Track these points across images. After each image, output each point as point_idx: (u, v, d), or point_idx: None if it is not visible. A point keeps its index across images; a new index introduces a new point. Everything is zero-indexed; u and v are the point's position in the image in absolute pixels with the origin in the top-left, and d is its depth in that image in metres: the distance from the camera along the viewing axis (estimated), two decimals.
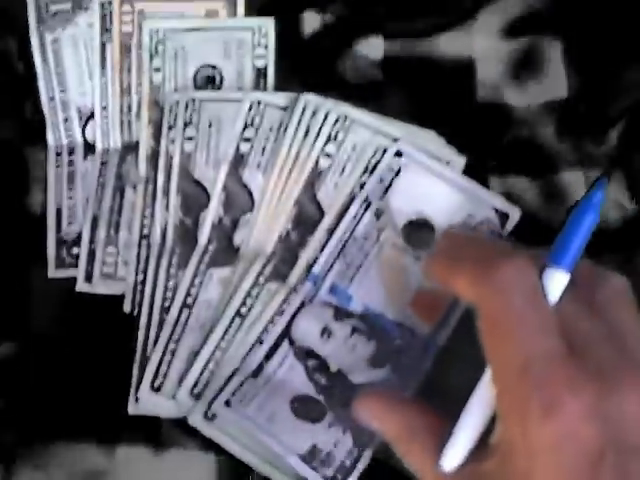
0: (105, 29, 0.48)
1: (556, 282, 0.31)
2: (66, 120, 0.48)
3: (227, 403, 0.42)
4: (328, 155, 0.43)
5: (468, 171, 0.43)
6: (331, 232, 0.43)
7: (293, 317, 0.42)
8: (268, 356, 0.42)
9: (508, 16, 0.46)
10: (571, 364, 0.29)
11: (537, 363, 0.29)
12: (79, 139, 0.48)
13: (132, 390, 0.44)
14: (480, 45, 0.46)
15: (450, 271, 0.33)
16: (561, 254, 0.32)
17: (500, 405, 0.31)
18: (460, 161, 0.43)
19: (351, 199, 0.43)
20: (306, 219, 0.43)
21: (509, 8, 0.46)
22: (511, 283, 0.31)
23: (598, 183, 0.32)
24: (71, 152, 0.48)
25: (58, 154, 0.48)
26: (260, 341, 0.42)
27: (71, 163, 0.48)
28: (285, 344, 0.42)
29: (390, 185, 0.42)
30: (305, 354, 0.42)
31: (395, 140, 0.43)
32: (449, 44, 0.46)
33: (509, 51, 0.46)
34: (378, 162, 0.43)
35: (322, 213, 0.43)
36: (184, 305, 0.44)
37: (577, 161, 0.45)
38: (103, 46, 0.48)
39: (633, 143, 0.44)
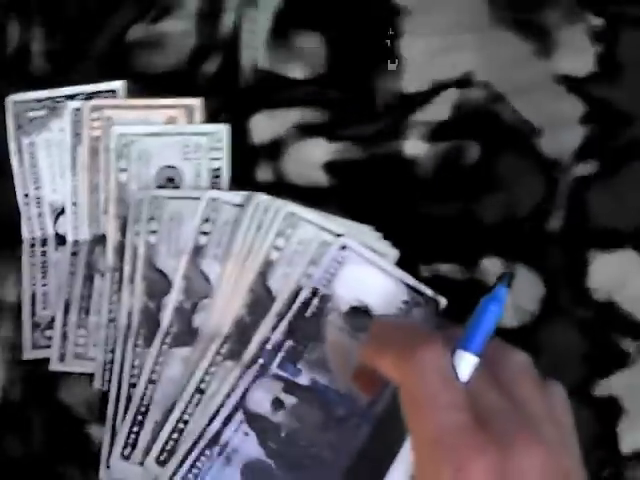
0: (76, 133, 0.52)
1: (466, 363, 0.37)
2: (39, 215, 0.52)
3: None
4: (278, 248, 0.48)
5: (401, 262, 0.48)
6: (281, 316, 0.47)
7: (247, 390, 0.47)
8: (224, 425, 0.46)
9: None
10: (477, 432, 0.33)
11: (448, 434, 0.33)
12: (51, 232, 0.52)
13: (103, 458, 0.48)
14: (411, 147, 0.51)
15: (378, 354, 0.38)
16: (470, 340, 0.37)
17: (417, 470, 0.35)
18: (394, 253, 0.48)
19: (299, 287, 0.48)
20: (259, 304, 0.48)
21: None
22: (426, 365, 0.35)
23: (503, 279, 0.38)
24: (44, 243, 0.52)
25: (32, 245, 0.52)
26: (217, 413, 0.47)
27: (44, 253, 0.52)
28: (239, 413, 0.46)
29: (335, 274, 0.47)
30: (258, 422, 0.46)
31: (338, 235, 0.48)
32: (384, 147, 0.51)
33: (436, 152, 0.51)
34: (322, 255, 0.48)
35: (273, 299, 0.48)
36: (149, 381, 0.48)
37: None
38: (74, 148, 0.52)
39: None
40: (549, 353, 0.47)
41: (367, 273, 0.47)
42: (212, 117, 0.52)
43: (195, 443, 0.46)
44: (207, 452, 0.46)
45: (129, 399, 0.48)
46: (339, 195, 0.51)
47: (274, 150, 0.52)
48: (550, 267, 0.49)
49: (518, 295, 0.48)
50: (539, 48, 0.51)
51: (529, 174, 0.50)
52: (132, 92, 0.53)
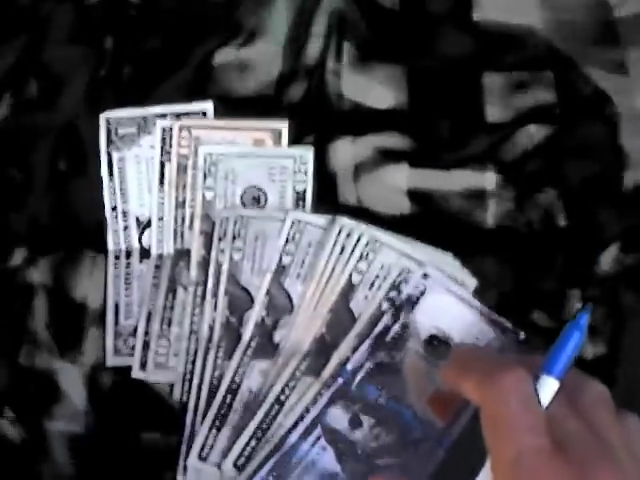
0: (165, 151, 0.54)
1: (547, 388, 0.37)
2: (125, 228, 0.54)
3: None
4: (359, 272, 0.50)
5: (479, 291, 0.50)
6: (360, 337, 0.49)
7: (326, 407, 0.48)
8: (302, 438, 0.48)
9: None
10: (556, 458, 0.34)
11: (527, 457, 0.34)
12: (136, 245, 0.54)
13: (180, 461, 0.50)
14: (490, 180, 0.53)
15: (461, 377, 0.39)
16: (552, 365, 0.38)
17: None
18: (472, 282, 0.50)
19: (379, 310, 0.49)
20: (339, 324, 0.50)
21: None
22: (509, 390, 0.36)
23: (586, 307, 0.39)
24: (128, 256, 0.54)
25: (116, 257, 0.54)
26: (296, 425, 0.48)
27: (128, 265, 0.54)
28: (318, 428, 0.48)
29: (417, 302, 0.49)
30: (336, 438, 0.48)
31: (419, 263, 0.50)
32: (465, 178, 0.53)
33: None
34: (403, 281, 0.50)
35: (354, 320, 0.50)
36: (229, 391, 0.50)
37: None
38: (162, 165, 0.54)
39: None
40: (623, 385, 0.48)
41: (448, 302, 0.49)
42: (296, 141, 0.54)
43: (274, 451, 0.48)
44: (286, 460, 0.48)
45: (207, 409, 0.50)
46: (420, 221, 0.52)
47: (356, 174, 0.54)
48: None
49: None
50: None
51: None
52: (218, 113, 0.55)
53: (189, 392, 0.51)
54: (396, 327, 0.49)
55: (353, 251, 0.50)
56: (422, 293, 0.49)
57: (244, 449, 0.49)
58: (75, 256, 0.54)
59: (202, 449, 0.49)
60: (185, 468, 0.50)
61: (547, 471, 0.34)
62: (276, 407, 0.49)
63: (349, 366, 0.48)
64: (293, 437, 0.48)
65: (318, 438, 0.48)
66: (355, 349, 0.49)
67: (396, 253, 0.50)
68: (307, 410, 0.48)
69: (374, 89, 0.55)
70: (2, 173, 0.56)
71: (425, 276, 0.49)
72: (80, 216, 0.55)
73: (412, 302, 0.49)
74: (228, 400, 0.50)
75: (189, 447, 0.50)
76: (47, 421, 0.52)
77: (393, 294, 0.49)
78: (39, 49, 0.57)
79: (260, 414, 0.49)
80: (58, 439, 0.52)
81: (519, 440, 0.35)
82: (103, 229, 0.54)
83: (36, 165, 0.56)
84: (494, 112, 0.54)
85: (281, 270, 0.51)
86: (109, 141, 0.55)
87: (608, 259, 0.51)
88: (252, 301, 0.51)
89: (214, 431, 0.50)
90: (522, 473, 0.34)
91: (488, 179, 0.53)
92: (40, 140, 0.56)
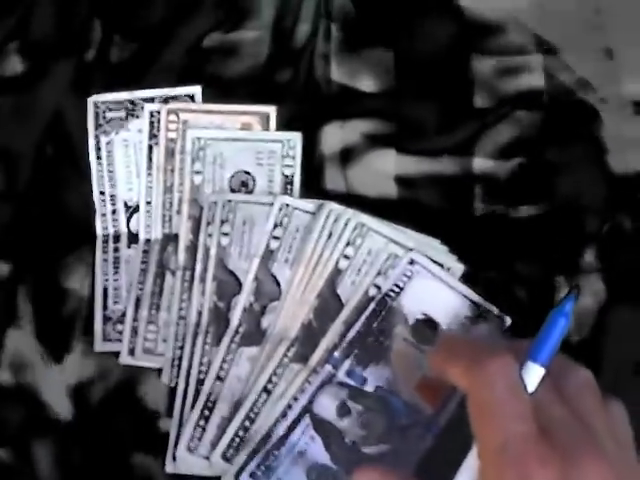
0: (153, 134, 0.54)
1: (533, 375, 0.37)
2: (113, 212, 0.54)
3: (252, 475, 0.48)
4: (347, 257, 0.50)
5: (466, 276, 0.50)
6: (348, 323, 0.49)
7: (314, 395, 0.48)
8: (291, 428, 0.48)
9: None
10: (542, 444, 0.34)
11: (513, 443, 0.34)
12: (124, 229, 0.54)
13: (169, 451, 0.50)
14: (478, 167, 0.53)
15: (447, 363, 0.39)
16: (538, 352, 0.38)
17: (482, 477, 0.36)
18: (459, 267, 0.50)
19: (367, 297, 0.49)
20: (327, 310, 0.50)
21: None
22: (495, 376, 0.36)
23: (571, 293, 0.39)
24: (116, 240, 0.54)
25: (105, 241, 0.54)
26: (284, 415, 0.48)
27: (116, 250, 0.54)
28: (306, 418, 0.48)
29: (403, 288, 0.49)
30: (324, 427, 0.48)
31: (407, 248, 0.50)
32: (452, 163, 0.53)
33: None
34: (390, 266, 0.50)
35: (341, 306, 0.50)
36: (217, 378, 0.50)
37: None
38: (150, 149, 0.54)
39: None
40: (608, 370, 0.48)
41: (434, 288, 0.49)
42: (284, 125, 0.54)
43: (263, 442, 0.48)
44: (275, 452, 0.48)
45: (196, 395, 0.50)
46: (407, 207, 0.53)
47: (344, 159, 0.54)
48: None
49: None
50: None
51: None
52: (206, 96, 0.55)
53: (177, 377, 0.51)
54: (383, 313, 0.48)
55: (341, 236, 0.50)
56: (409, 278, 0.49)
57: (232, 440, 0.49)
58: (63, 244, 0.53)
59: (191, 440, 0.49)
60: (174, 457, 0.50)
61: (533, 457, 0.34)
62: (264, 396, 0.49)
63: (337, 353, 0.48)
64: (281, 428, 0.48)
65: (306, 428, 0.48)
66: (342, 336, 0.49)
67: (384, 239, 0.50)
68: (295, 399, 0.48)
69: (362, 73, 0.55)
70: None
71: (412, 262, 0.49)
72: (68, 202, 0.54)
73: (399, 288, 0.49)
74: (216, 389, 0.50)
75: (178, 434, 0.50)
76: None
77: (379, 280, 0.49)
78: (26, 30, 0.57)
79: (248, 404, 0.49)
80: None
81: (505, 426, 0.35)
82: (90, 214, 0.54)
83: (21, 149, 0.55)
84: (481, 98, 0.54)
85: (269, 255, 0.51)
86: (97, 125, 0.54)
87: (593, 245, 0.52)
88: (240, 286, 0.51)
89: (202, 422, 0.50)
90: (508, 459, 0.34)
91: (475, 165, 0.53)
92: (24, 122, 0.55)
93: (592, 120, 0.53)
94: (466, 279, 0.50)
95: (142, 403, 0.52)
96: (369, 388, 0.48)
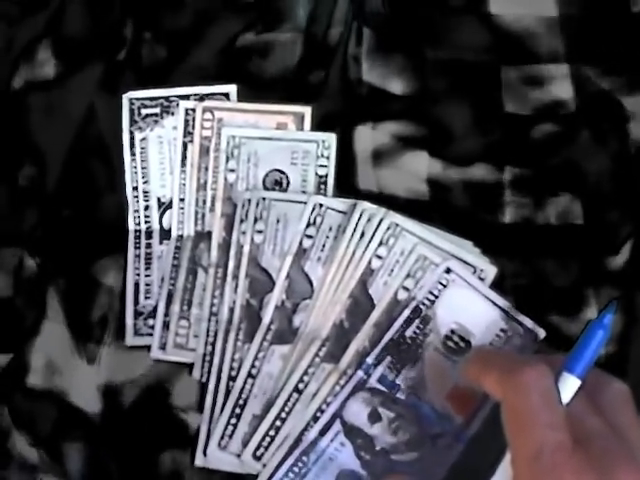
0: (188, 132, 0.54)
1: (569, 386, 0.38)
2: (146, 208, 0.55)
3: None
4: (379, 257, 0.50)
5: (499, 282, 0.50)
6: (378, 326, 0.49)
7: (345, 400, 0.48)
8: (322, 433, 0.48)
9: None
10: (576, 454, 0.34)
11: (548, 452, 0.34)
12: (156, 225, 0.54)
13: (200, 445, 0.50)
14: (507, 175, 0.54)
15: (483, 372, 0.40)
16: (575, 363, 0.38)
17: None
18: (492, 269, 0.50)
19: (395, 298, 0.49)
20: (358, 310, 0.50)
21: None
22: (531, 385, 0.37)
23: (610, 306, 0.39)
24: (149, 236, 0.54)
25: (137, 237, 0.54)
26: (315, 419, 0.49)
27: (148, 246, 0.54)
28: (337, 423, 0.48)
29: (438, 297, 0.49)
30: (354, 433, 0.48)
31: (440, 252, 0.50)
32: (483, 169, 0.54)
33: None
34: (419, 269, 0.50)
35: (372, 306, 0.50)
36: (249, 375, 0.50)
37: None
38: (185, 146, 0.54)
39: None
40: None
41: (469, 298, 0.49)
42: (317, 125, 0.55)
43: (292, 449, 0.48)
44: (304, 458, 0.48)
45: (227, 391, 0.51)
46: (438, 209, 0.53)
47: (376, 160, 0.54)
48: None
49: None
50: None
51: None
52: (241, 96, 0.55)
53: (209, 373, 0.51)
54: (417, 321, 0.48)
55: (373, 236, 0.50)
56: (444, 287, 0.49)
57: (263, 439, 0.49)
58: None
59: (222, 438, 0.50)
60: (205, 453, 0.50)
61: (567, 467, 0.34)
62: (295, 395, 0.49)
63: (369, 359, 0.49)
64: (312, 433, 0.48)
65: (337, 433, 0.48)
66: (373, 340, 0.49)
67: (416, 239, 0.50)
68: (326, 404, 0.49)
69: (392, 75, 0.55)
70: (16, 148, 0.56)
71: (448, 271, 0.49)
72: (100, 200, 0.55)
73: (434, 296, 0.49)
74: (248, 386, 0.50)
75: (209, 430, 0.50)
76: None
77: (409, 282, 0.49)
78: (58, 28, 0.57)
79: (279, 402, 0.49)
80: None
81: (540, 435, 0.35)
82: (123, 211, 0.54)
83: (53, 147, 0.55)
84: (511, 104, 0.54)
85: (302, 253, 0.51)
86: (132, 121, 0.55)
87: (621, 258, 0.52)
88: (273, 284, 0.51)
89: (234, 420, 0.50)
90: (542, 468, 0.34)
91: (505, 174, 0.53)
92: (56, 121, 0.56)
93: (620, 129, 0.53)
94: (495, 285, 0.50)
95: (172, 399, 0.52)
96: (400, 395, 0.48)
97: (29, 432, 0.52)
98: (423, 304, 0.49)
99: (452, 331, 0.49)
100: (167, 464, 0.51)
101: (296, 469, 0.48)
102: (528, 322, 0.48)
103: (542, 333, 0.48)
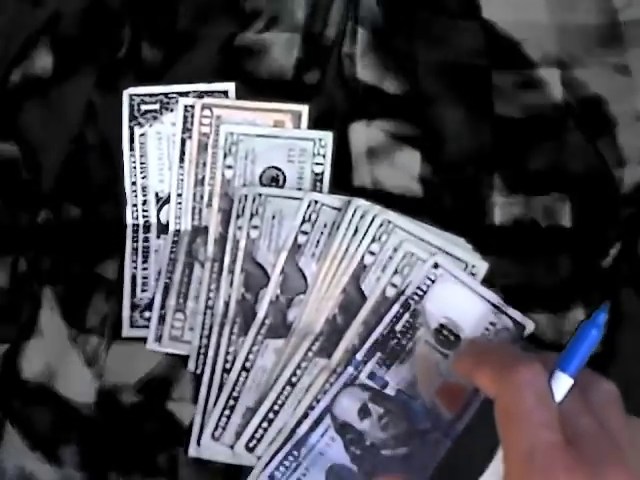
0: (186, 128, 0.55)
1: (561, 385, 0.38)
2: (144, 202, 0.55)
3: (271, 476, 0.49)
4: (372, 253, 0.51)
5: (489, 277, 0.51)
6: (367, 323, 0.50)
7: (336, 396, 0.49)
8: (312, 428, 0.49)
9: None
10: (568, 453, 0.34)
11: (541, 450, 0.35)
12: (154, 219, 0.55)
13: (194, 436, 0.51)
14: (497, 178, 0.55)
15: (475, 368, 0.40)
16: (568, 362, 0.38)
17: None
18: (484, 265, 0.51)
19: (383, 295, 0.50)
20: (351, 306, 0.50)
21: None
22: (524, 383, 0.37)
23: (603, 306, 0.39)
24: (146, 230, 0.55)
25: (135, 231, 0.55)
26: (306, 415, 0.49)
27: (146, 239, 0.55)
28: (327, 418, 0.49)
29: (427, 292, 0.50)
30: (344, 428, 0.49)
31: (430, 249, 0.50)
32: (474, 169, 0.54)
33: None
34: (406, 265, 0.50)
35: (364, 302, 0.50)
36: (243, 368, 0.51)
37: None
38: (183, 142, 0.55)
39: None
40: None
41: (458, 292, 0.50)
42: (312, 123, 0.55)
43: (284, 443, 0.49)
44: (295, 452, 0.49)
45: (222, 384, 0.51)
46: (431, 206, 0.54)
47: (370, 157, 0.55)
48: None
49: None
50: None
51: None
52: (239, 93, 0.56)
53: (204, 365, 0.52)
54: (406, 316, 0.49)
55: (366, 232, 0.51)
56: (433, 282, 0.49)
57: (256, 431, 0.50)
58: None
59: (215, 429, 0.51)
60: (198, 443, 0.51)
61: (560, 466, 0.34)
62: (288, 389, 0.50)
63: (359, 355, 0.49)
64: (303, 428, 0.49)
65: (327, 429, 0.49)
66: (363, 336, 0.50)
67: (408, 236, 0.51)
68: (317, 400, 0.49)
69: (386, 75, 0.56)
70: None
71: (436, 266, 0.50)
72: (98, 195, 0.56)
73: (423, 291, 0.49)
74: (242, 379, 0.51)
75: (202, 421, 0.51)
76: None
77: (396, 279, 0.50)
78: (56, 25, 0.58)
79: (272, 395, 0.50)
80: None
81: (533, 433, 0.36)
82: (122, 206, 0.55)
83: (52, 144, 0.56)
84: (502, 109, 0.55)
85: (296, 249, 0.52)
86: (131, 117, 0.55)
87: (609, 260, 0.52)
88: (268, 279, 0.52)
89: (227, 412, 0.51)
90: (535, 466, 0.35)
91: (495, 175, 0.54)
92: (55, 118, 0.57)
93: (607, 134, 0.54)
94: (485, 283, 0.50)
95: (170, 398, 0.53)
96: (390, 391, 0.49)
97: (26, 435, 0.53)
98: (412, 299, 0.49)
99: (442, 325, 0.49)
100: (163, 463, 0.52)
101: (287, 463, 0.49)
102: (517, 315, 0.49)
103: (531, 325, 0.49)
